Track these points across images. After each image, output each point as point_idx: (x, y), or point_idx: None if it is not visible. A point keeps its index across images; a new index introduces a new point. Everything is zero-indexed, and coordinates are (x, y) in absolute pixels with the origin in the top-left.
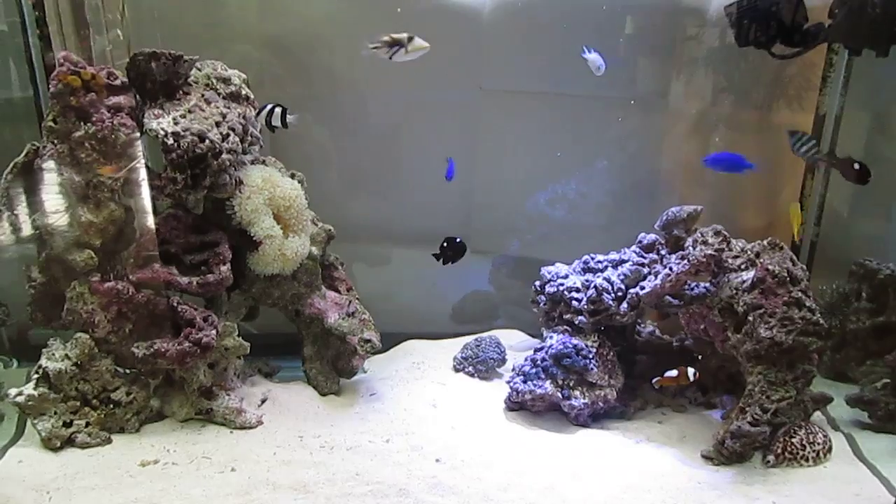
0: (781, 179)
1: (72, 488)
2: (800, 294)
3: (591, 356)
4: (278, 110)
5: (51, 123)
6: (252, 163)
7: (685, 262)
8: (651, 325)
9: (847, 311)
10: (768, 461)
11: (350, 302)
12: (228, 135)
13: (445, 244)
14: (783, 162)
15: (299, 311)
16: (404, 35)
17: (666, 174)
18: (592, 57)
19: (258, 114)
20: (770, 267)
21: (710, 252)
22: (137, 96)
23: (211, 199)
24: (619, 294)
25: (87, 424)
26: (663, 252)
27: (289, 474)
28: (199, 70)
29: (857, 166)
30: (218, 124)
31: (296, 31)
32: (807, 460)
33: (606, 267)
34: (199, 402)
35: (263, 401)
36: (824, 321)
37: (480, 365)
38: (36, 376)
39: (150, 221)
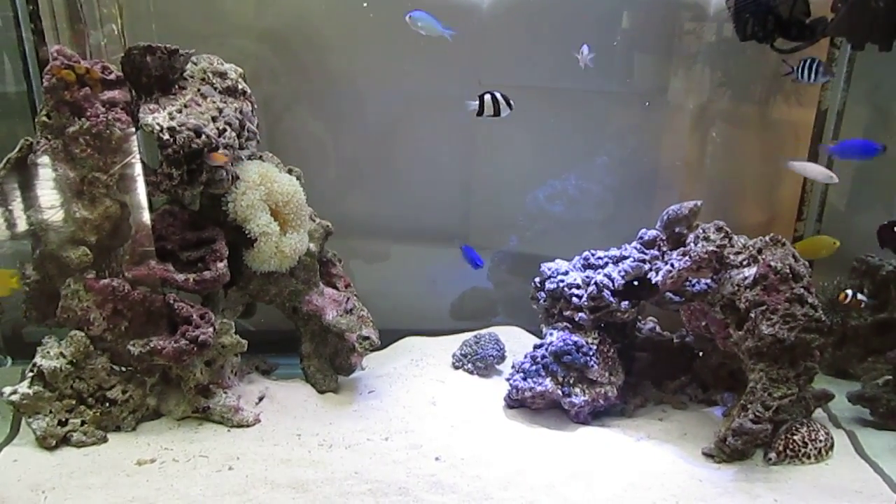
0: (781, 174)
1: (67, 487)
2: (802, 290)
3: (591, 353)
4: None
5: (45, 118)
6: (249, 158)
7: (687, 258)
8: (651, 322)
9: (848, 308)
10: (770, 458)
11: (348, 298)
12: (225, 130)
13: None
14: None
15: (297, 307)
16: None
17: (665, 169)
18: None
19: (481, 106)
20: (772, 263)
21: (711, 248)
22: (132, 91)
23: (207, 194)
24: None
25: (83, 423)
26: (664, 248)
27: (287, 473)
28: (195, 64)
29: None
30: (214, 119)
31: (293, 25)
32: (808, 458)
33: (607, 263)
34: (195, 401)
35: (261, 398)
36: (826, 318)
37: (479, 362)
38: (31, 374)
39: (146, 218)
